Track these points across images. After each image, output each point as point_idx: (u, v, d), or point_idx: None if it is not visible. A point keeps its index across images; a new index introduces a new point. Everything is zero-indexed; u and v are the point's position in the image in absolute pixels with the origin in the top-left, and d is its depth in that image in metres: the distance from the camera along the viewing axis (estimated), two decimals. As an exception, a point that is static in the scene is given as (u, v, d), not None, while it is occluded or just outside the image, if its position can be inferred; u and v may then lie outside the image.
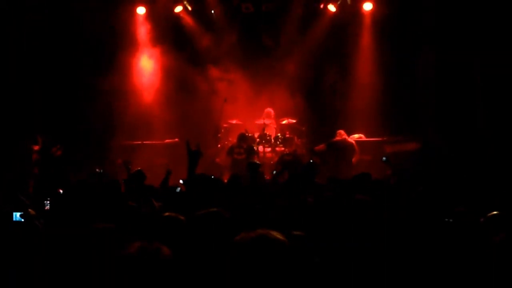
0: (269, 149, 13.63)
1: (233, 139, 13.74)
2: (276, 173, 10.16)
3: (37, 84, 13.32)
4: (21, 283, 4.23)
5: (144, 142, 13.71)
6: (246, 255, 2.51)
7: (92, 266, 3.84)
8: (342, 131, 13.07)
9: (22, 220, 5.64)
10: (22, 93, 13.17)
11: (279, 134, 13.60)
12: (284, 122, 13.95)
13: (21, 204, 6.16)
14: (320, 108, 14.38)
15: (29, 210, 5.93)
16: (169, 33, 14.55)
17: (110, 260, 3.41)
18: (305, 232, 4.24)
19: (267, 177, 12.74)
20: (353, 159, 12.80)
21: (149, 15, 14.48)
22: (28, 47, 13.17)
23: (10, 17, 12.92)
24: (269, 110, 14.22)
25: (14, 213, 5.69)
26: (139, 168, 8.47)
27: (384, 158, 10.16)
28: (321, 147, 13.24)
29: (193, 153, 6.21)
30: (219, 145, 13.77)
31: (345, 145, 12.85)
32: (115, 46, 13.95)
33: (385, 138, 13.37)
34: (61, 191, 8.17)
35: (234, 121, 14.07)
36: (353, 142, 13.04)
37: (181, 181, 9.98)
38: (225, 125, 14.11)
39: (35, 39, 13.26)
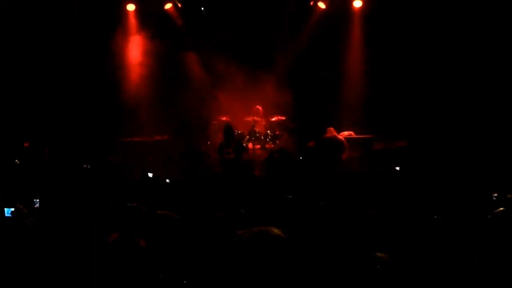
0: (258, 146, 13.65)
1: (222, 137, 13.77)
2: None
3: (31, 82, 13.32)
4: (12, 280, 4.23)
5: (134, 139, 13.70)
6: (249, 250, 2.59)
7: (81, 262, 3.87)
8: (332, 128, 13.10)
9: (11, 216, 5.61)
10: (16, 92, 13.19)
11: (268, 131, 13.62)
12: (273, 119, 13.98)
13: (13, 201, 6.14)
14: (310, 105, 14.38)
15: (20, 207, 5.90)
16: (158, 30, 14.52)
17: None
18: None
19: (257, 173, 12.81)
20: (343, 156, 12.84)
21: (139, 11, 14.46)
22: (20, 44, 13.15)
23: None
24: (258, 107, 14.22)
25: (6, 209, 5.67)
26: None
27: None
28: (311, 144, 13.27)
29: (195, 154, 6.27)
30: (209, 142, 13.77)
31: (335, 142, 12.87)
32: (105, 41, 13.95)
33: (374, 135, 13.42)
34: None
35: (223, 118, 14.08)
36: (343, 139, 13.08)
37: (167, 181, 10.01)
38: (214, 122, 14.11)
39: (27, 37, 13.24)
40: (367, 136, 13.49)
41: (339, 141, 12.95)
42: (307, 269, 3.55)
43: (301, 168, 9.29)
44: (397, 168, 11.27)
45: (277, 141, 13.66)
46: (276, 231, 2.72)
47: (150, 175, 7.84)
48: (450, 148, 11.92)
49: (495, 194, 7.89)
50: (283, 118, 13.97)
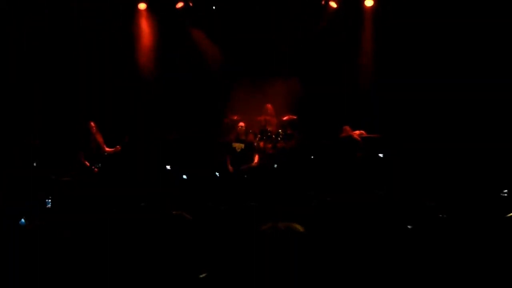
0: (270, 145, 13.60)
1: (233, 135, 13.76)
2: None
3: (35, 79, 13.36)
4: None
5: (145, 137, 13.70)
6: (275, 244, 2.57)
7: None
8: (347, 127, 13.09)
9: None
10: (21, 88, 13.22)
11: (280, 130, 13.58)
12: (285, 118, 13.94)
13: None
14: (322, 104, 14.35)
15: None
16: (168, 28, 14.54)
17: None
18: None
19: None
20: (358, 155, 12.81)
21: (150, 10, 14.47)
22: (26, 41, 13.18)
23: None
24: (269, 105, 14.19)
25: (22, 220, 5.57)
26: None
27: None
28: (325, 142, 13.24)
29: None
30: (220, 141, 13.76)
31: (351, 141, 12.85)
32: (114, 43, 13.99)
33: (384, 135, 13.36)
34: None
35: (235, 117, 14.05)
36: (358, 138, 13.06)
37: (184, 176, 10.00)
38: (226, 121, 14.10)
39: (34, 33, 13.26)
40: (378, 135, 13.43)
41: (355, 140, 12.93)
42: (329, 266, 3.53)
43: (314, 166, 9.33)
44: (380, 155, 11.37)
45: (288, 141, 13.61)
46: (299, 227, 2.71)
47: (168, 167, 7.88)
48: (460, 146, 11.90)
49: (505, 191, 7.84)
50: (295, 117, 13.94)
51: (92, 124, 12.47)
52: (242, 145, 11.79)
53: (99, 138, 12.48)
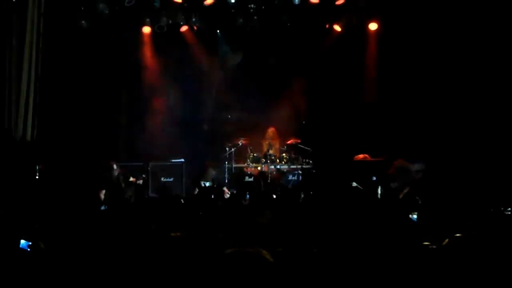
0: (274, 169, 13.59)
1: (238, 159, 13.76)
2: None
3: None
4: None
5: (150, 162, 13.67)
6: (238, 270, 2.51)
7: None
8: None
9: (28, 249, 5.44)
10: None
11: (284, 154, 13.56)
12: (289, 142, 13.93)
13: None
14: (325, 127, 14.34)
15: (40, 243, 5.74)
16: (173, 52, 14.59)
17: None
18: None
19: None
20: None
21: (154, 34, 14.53)
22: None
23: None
24: (273, 129, 14.20)
25: (21, 241, 5.48)
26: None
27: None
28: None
29: None
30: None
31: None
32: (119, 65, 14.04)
33: (388, 158, 13.31)
34: None
35: (239, 141, 14.04)
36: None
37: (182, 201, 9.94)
38: (229, 145, 14.09)
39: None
40: (382, 158, 13.39)
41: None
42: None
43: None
44: (374, 178, 11.39)
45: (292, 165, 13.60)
46: (264, 253, 2.64)
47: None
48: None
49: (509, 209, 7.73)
50: (299, 140, 13.92)
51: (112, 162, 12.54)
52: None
53: (122, 172, 12.54)
